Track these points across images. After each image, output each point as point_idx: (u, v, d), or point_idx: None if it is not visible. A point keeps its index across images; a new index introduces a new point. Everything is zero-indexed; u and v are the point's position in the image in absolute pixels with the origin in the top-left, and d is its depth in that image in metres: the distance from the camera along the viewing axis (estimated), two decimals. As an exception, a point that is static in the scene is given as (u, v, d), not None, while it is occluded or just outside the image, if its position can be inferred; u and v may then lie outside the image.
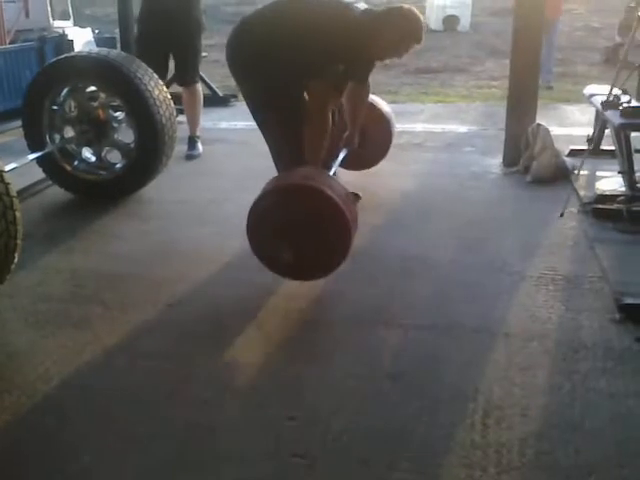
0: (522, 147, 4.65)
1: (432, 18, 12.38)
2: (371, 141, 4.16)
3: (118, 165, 4.26)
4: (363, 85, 3.70)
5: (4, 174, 2.75)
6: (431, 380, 2.40)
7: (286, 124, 3.27)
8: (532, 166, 4.46)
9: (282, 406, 2.27)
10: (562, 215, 3.61)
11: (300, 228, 2.82)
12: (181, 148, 4.39)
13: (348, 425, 2.18)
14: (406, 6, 3.29)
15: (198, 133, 5.38)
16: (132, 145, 4.15)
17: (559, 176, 4.36)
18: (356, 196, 3.63)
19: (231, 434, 2.15)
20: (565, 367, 2.44)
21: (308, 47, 3.15)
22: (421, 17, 3.30)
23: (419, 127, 5.93)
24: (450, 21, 12.25)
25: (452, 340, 2.66)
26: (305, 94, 3.31)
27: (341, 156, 3.78)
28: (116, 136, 4.30)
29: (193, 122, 5.35)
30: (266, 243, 2.89)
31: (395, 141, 5.43)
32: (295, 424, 2.18)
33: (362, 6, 3.32)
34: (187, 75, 5.25)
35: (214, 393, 2.36)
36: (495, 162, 4.81)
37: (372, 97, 4.19)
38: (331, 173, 3.41)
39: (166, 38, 5.02)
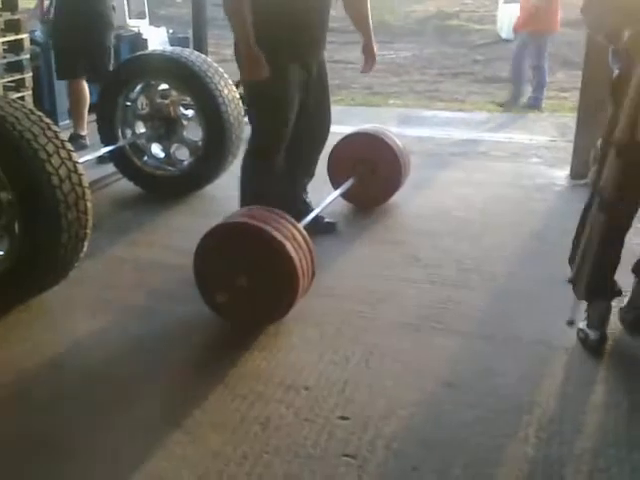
0: (591, 160, 4.54)
1: (504, 27, 12.17)
2: (379, 177, 3.91)
3: (185, 162, 4.36)
4: None
5: (78, 165, 2.86)
6: (486, 390, 2.38)
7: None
8: (600, 180, 4.36)
9: (334, 406, 2.29)
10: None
11: (243, 270, 2.64)
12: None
13: (399, 430, 2.18)
14: None
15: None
16: (200, 143, 4.23)
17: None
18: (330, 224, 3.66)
19: (283, 429, 2.19)
20: (625, 385, 2.39)
21: None
22: None
23: (485, 136, 5.86)
24: (522, 30, 12.05)
25: (509, 352, 2.63)
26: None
27: (349, 183, 3.75)
28: (185, 133, 4.39)
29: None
30: (210, 278, 2.75)
31: (460, 149, 5.40)
32: (347, 424, 2.20)
33: None
34: (95, 70, 4.94)
35: (267, 388, 2.39)
36: (562, 174, 4.71)
37: (384, 131, 4.07)
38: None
39: (73, 33, 4.88)
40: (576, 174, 4.65)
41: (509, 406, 2.29)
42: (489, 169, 4.93)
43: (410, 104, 7.44)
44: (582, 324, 2.66)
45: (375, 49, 3.60)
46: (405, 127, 5.76)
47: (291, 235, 2.66)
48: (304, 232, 2.76)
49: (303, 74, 3.29)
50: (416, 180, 4.30)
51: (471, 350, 2.65)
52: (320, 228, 3.49)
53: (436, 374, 2.47)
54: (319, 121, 3.53)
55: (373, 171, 3.87)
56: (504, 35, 12.00)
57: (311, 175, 3.73)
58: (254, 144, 3.39)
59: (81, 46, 4.90)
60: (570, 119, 5.57)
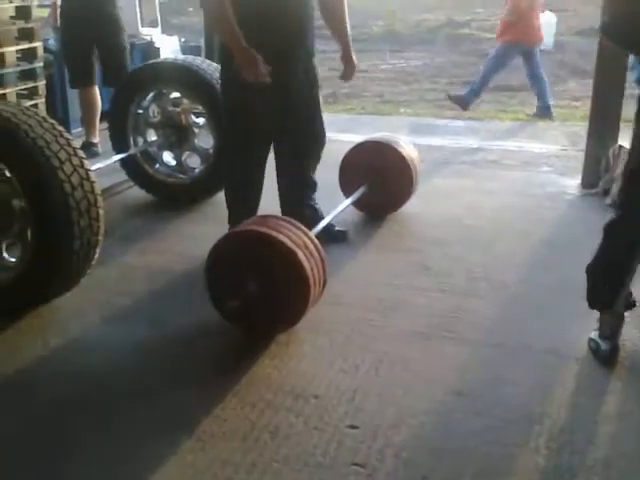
0: (602, 169, 4.54)
1: (514, 36, 12.19)
2: (390, 185, 3.89)
3: (197, 169, 4.37)
4: None
5: (90, 173, 2.88)
6: (496, 399, 2.37)
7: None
8: (612, 189, 4.35)
9: (343, 415, 2.29)
10: None
11: (255, 278, 2.64)
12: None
13: (409, 439, 2.18)
14: None
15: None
16: (211, 150, 4.25)
17: None
18: (341, 233, 3.67)
19: (292, 438, 2.18)
20: (638, 395, 2.38)
21: None
22: None
23: (496, 144, 5.85)
24: (533, 39, 12.04)
25: (520, 361, 2.62)
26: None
27: (360, 192, 3.77)
28: (196, 141, 4.41)
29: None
30: (222, 286, 2.75)
31: (470, 158, 5.40)
32: (356, 432, 2.20)
33: None
34: (112, 74, 5.00)
35: (277, 397, 2.39)
36: (573, 183, 4.70)
37: (395, 139, 4.06)
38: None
39: (84, 38, 4.93)
40: (587, 183, 4.64)
41: (519, 415, 2.28)
42: (499, 177, 4.93)
43: (421, 113, 7.44)
44: (594, 334, 2.65)
45: (354, 57, 3.55)
46: (416, 136, 5.75)
47: (303, 244, 2.66)
48: (316, 241, 2.76)
49: (277, 82, 3.18)
50: (426, 188, 4.30)
51: (481, 359, 2.64)
52: (331, 236, 3.50)
53: (446, 383, 2.47)
54: (307, 135, 3.49)
55: (384, 179, 3.87)
56: (515, 44, 11.99)
57: (309, 185, 3.67)
58: (226, 140, 3.53)
59: (94, 51, 4.96)
60: (581, 128, 5.55)
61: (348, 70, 3.56)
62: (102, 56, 5.04)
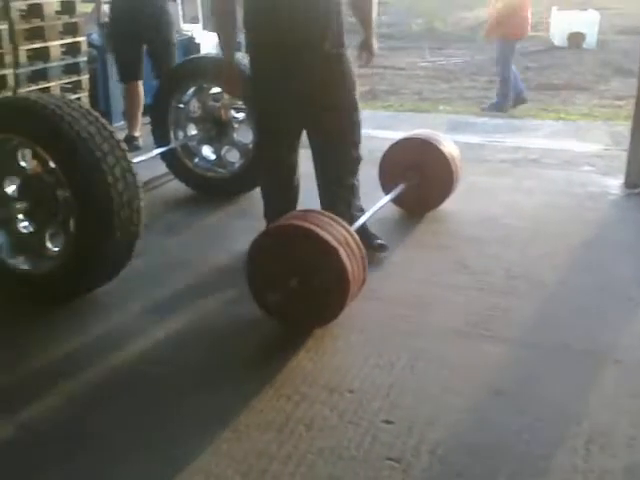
0: (646, 169, 4.45)
1: (556, 34, 12.01)
2: (430, 182, 3.85)
3: (236, 164, 4.40)
4: None
5: (132, 165, 2.92)
6: (534, 399, 2.35)
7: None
8: (655, 189, 4.27)
9: (378, 410, 2.29)
10: None
11: (295, 272, 2.65)
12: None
13: (444, 436, 2.17)
14: None
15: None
16: (250, 145, 4.27)
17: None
18: (381, 247, 3.47)
19: (327, 431, 2.19)
20: (679, 399, 2.33)
21: None
22: None
23: (536, 143, 5.77)
24: (575, 38, 11.80)
25: (558, 361, 2.59)
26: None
27: (399, 189, 3.73)
28: (235, 136, 4.44)
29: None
30: (262, 279, 2.76)
31: (510, 156, 5.34)
32: (391, 428, 2.19)
33: None
34: (164, 68, 4.98)
35: (312, 390, 2.40)
36: (616, 183, 4.62)
37: (435, 136, 4.02)
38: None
39: (134, 32, 4.96)
40: (630, 183, 4.56)
41: (557, 415, 2.25)
42: (540, 176, 4.86)
43: (460, 110, 7.38)
44: None
45: (375, 46, 3.48)
46: (454, 133, 5.70)
47: (344, 240, 2.66)
48: (357, 238, 2.76)
49: (302, 82, 3.14)
50: (465, 187, 4.26)
51: (519, 358, 2.62)
52: (371, 247, 3.32)
53: (483, 381, 2.45)
54: (338, 135, 3.31)
55: (424, 177, 3.85)
56: (556, 42, 11.84)
57: (342, 187, 3.42)
58: (257, 137, 3.59)
59: (144, 48, 5.02)
60: (624, 127, 5.45)
61: (366, 56, 3.52)
62: (153, 51, 5.10)
